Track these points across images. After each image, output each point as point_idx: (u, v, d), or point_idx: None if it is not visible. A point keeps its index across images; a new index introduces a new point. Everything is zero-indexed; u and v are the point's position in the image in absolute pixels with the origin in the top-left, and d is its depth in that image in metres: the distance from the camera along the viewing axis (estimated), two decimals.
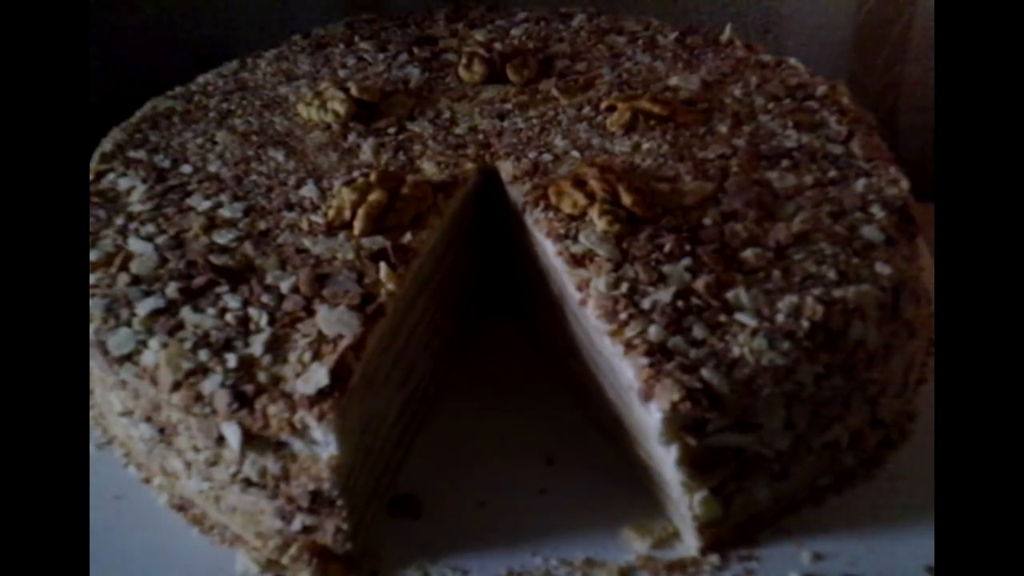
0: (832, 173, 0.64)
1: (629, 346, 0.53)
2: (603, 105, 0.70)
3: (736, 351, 0.52)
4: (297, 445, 0.51)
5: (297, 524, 0.54)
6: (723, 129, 0.68)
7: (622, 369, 0.53)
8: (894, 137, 0.97)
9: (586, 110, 0.71)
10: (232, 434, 0.51)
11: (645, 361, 0.52)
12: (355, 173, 0.65)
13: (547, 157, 0.66)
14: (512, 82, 0.74)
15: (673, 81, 0.74)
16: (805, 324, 0.53)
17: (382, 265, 0.56)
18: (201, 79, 0.78)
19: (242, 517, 0.55)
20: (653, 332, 0.53)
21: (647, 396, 0.51)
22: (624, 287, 0.55)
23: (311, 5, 0.92)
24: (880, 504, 0.58)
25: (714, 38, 0.80)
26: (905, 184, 0.63)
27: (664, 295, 0.55)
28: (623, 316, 0.54)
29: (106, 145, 0.70)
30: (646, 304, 0.54)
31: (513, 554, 0.55)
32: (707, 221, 0.60)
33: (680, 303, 0.54)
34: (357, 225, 0.59)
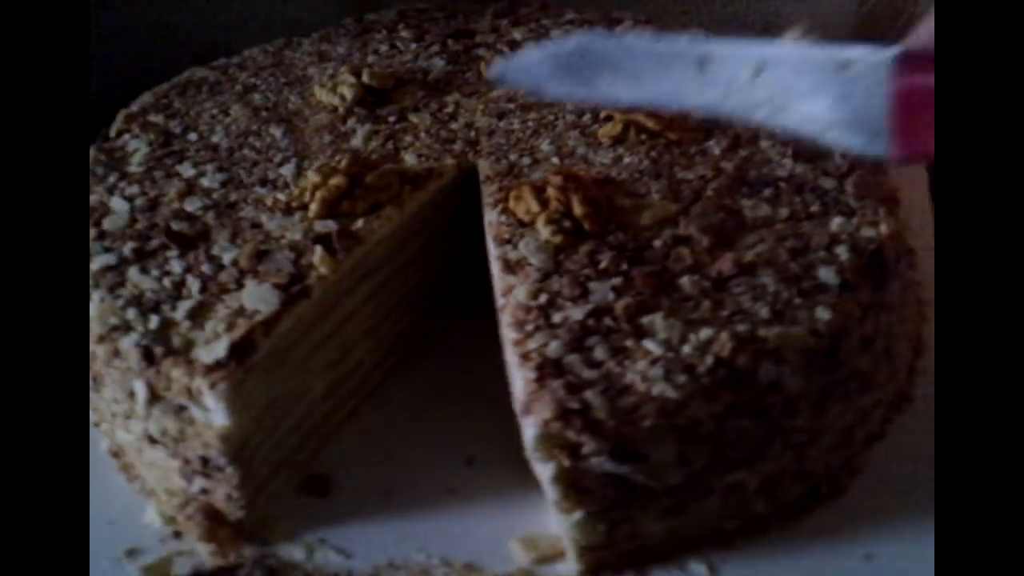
0: (814, 208, 0.61)
1: (525, 358, 0.52)
2: (603, 114, 0.69)
3: (629, 378, 0.51)
4: (195, 410, 0.54)
5: (196, 486, 0.56)
6: (716, 151, 0.66)
7: (515, 380, 0.52)
8: None
9: (586, 117, 0.70)
10: (140, 391, 0.54)
11: (532, 375, 0.51)
12: (337, 157, 0.67)
13: (526, 160, 0.66)
14: None
15: None
16: (709, 359, 0.51)
17: (318, 248, 0.58)
18: (247, 52, 0.81)
19: (156, 472, 0.58)
20: (553, 347, 0.52)
21: (526, 410, 0.50)
22: (543, 298, 0.55)
23: (312, 5, 0.94)
24: (793, 559, 0.55)
25: None
26: (885, 228, 0.60)
27: (578, 312, 0.54)
28: (530, 327, 0.54)
29: (134, 106, 0.74)
30: (557, 318, 0.54)
31: (400, 546, 0.56)
32: (657, 243, 0.58)
33: (591, 322, 0.53)
34: (312, 207, 0.61)
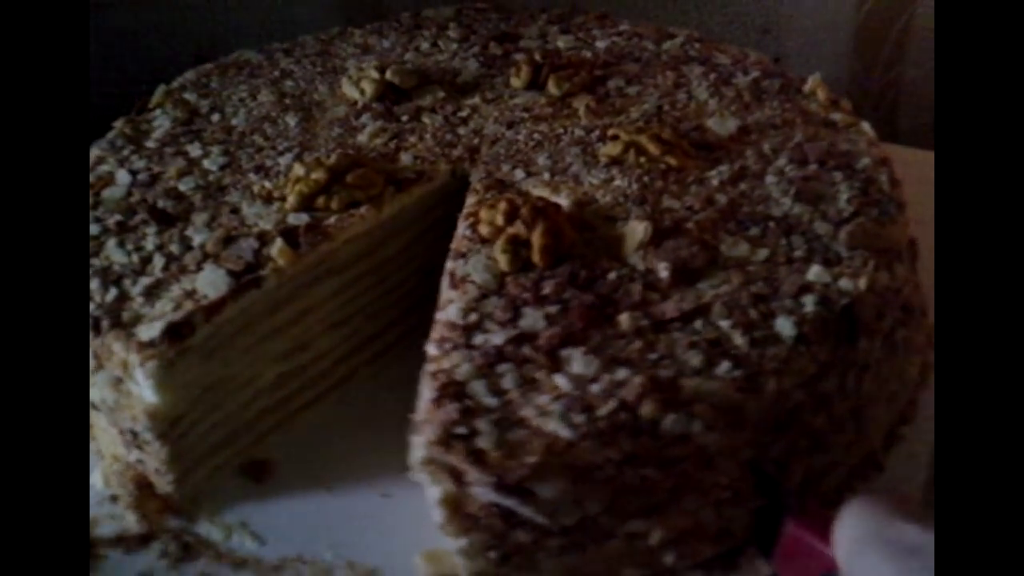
0: (798, 252, 0.58)
1: (434, 376, 0.52)
2: (610, 132, 0.67)
3: (526, 411, 0.50)
4: (131, 383, 0.56)
5: (133, 455, 0.58)
6: (715, 182, 0.63)
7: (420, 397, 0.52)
8: (894, 138, 0.88)
9: (594, 134, 0.68)
10: (88, 358, 0.57)
11: (432, 394, 0.51)
12: (338, 151, 0.67)
13: (519, 173, 0.65)
14: (550, 93, 0.73)
15: (710, 122, 0.69)
16: (612, 403, 0.49)
17: (279, 240, 0.59)
18: (300, 37, 0.83)
19: (107, 436, 0.61)
20: (463, 370, 0.51)
21: (416, 430, 0.50)
22: (472, 318, 0.54)
23: (312, 5, 0.94)
24: None
25: (798, 85, 0.73)
26: (865, 282, 0.56)
27: (499, 337, 0.53)
28: (448, 346, 0.53)
29: (175, 82, 0.77)
30: (478, 340, 0.53)
31: (313, 542, 0.57)
32: (612, 275, 0.56)
33: (509, 348, 0.52)
34: (289, 199, 0.62)
